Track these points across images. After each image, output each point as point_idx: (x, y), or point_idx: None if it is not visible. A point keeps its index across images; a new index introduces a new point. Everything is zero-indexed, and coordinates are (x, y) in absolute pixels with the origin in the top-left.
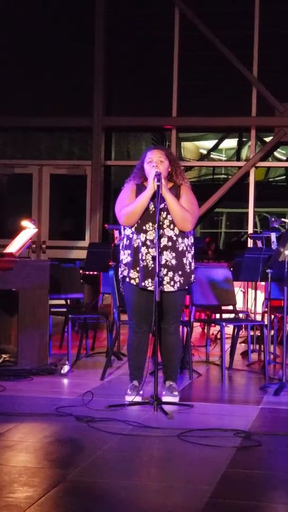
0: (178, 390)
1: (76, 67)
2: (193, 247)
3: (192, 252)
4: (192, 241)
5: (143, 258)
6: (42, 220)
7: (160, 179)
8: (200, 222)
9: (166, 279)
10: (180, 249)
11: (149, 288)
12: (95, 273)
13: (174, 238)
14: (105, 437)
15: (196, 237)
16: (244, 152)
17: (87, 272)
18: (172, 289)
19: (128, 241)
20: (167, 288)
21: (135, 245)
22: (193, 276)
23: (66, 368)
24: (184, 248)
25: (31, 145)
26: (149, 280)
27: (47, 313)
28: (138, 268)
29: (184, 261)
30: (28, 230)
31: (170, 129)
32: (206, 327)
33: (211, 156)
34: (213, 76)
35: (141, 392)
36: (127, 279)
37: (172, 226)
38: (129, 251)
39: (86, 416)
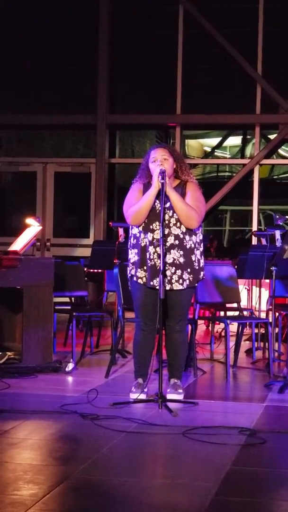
0: (183, 387)
1: (80, 64)
2: (202, 244)
3: (201, 249)
4: (201, 237)
5: (151, 257)
6: (47, 218)
7: (164, 177)
8: (204, 220)
9: (175, 277)
10: (188, 246)
11: (158, 287)
12: (100, 270)
13: (181, 236)
14: (110, 435)
15: None
16: (249, 150)
17: (91, 270)
18: (181, 287)
19: (135, 240)
20: (176, 286)
21: (142, 244)
22: (202, 273)
23: (70, 366)
24: (193, 246)
25: (36, 143)
26: (157, 279)
27: (51, 311)
28: (145, 267)
29: (193, 258)
30: (32, 227)
31: (174, 127)
32: (210, 324)
33: (215, 153)
34: (217, 73)
35: (145, 390)
36: (134, 278)
37: (178, 224)
38: (136, 250)
39: (91, 413)
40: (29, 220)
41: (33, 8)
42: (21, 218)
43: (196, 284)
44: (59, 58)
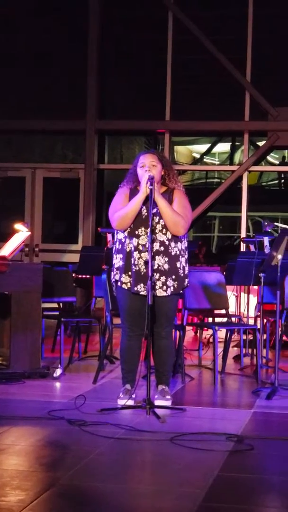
0: (171, 394)
1: (69, 70)
2: (186, 251)
3: (186, 256)
4: (186, 245)
5: (136, 262)
6: (35, 223)
7: (153, 183)
8: (193, 226)
9: (159, 283)
10: (173, 253)
11: (142, 293)
12: (88, 276)
13: (167, 242)
14: (97, 441)
15: (189, 241)
16: (237, 156)
17: (79, 276)
18: (164, 293)
19: (120, 245)
20: (160, 292)
21: (128, 250)
22: (187, 280)
23: (58, 372)
24: (178, 253)
25: (25, 148)
26: (142, 284)
27: (39, 316)
28: (130, 273)
29: (178, 265)
30: (21, 233)
31: (163, 133)
32: (198, 331)
33: (204, 160)
34: (206, 80)
35: (133, 396)
36: (119, 284)
37: (164, 230)
38: (121, 256)
39: (78, 419)
40: (18, 226)
41: (24, 14)
42: (9, 223)
43: (181, 291)
44: (49, 63)
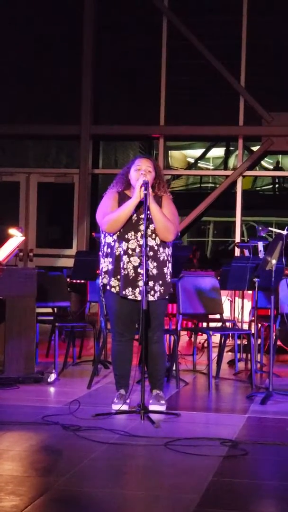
0: (165, 398)
1: (64, 75)
2: (171, 257)
3: (171, 262)
4: (171, 251)
5: (124, 266)
6: (30, 228)
7: (148, 187)
8: (188, 231)
9: (147, 288)
10: (161, 258)
11: (130, 297)
12: (82, 281)
13: (156, 247)
14: (92, 446)
15: (183, 246)
16: (232, 161)
17: (74, 280)
18: (152, 298)
19: (109, 249)
20: (148, 297)
21: (117, 254)
22: (171, 286)
23: (52, 377)
24: (165, 258)
25: (19, 153)
26: (130, 289)
27: (34, 321)
28: (119, 277)
29: (165, 270)
30: (15, 238)
31: (157, 138)
32: (193, 335)
33: (199, 165)
34: (201, 85)
35: (128, 401)
36: (108, 287)
37: (154, 235)
38: (110, 259)
39: (73, 424)
40: (12, 231)
41: (18, 20)
42: (4, 228)
43: (167, 296)
44: (44, 68)
